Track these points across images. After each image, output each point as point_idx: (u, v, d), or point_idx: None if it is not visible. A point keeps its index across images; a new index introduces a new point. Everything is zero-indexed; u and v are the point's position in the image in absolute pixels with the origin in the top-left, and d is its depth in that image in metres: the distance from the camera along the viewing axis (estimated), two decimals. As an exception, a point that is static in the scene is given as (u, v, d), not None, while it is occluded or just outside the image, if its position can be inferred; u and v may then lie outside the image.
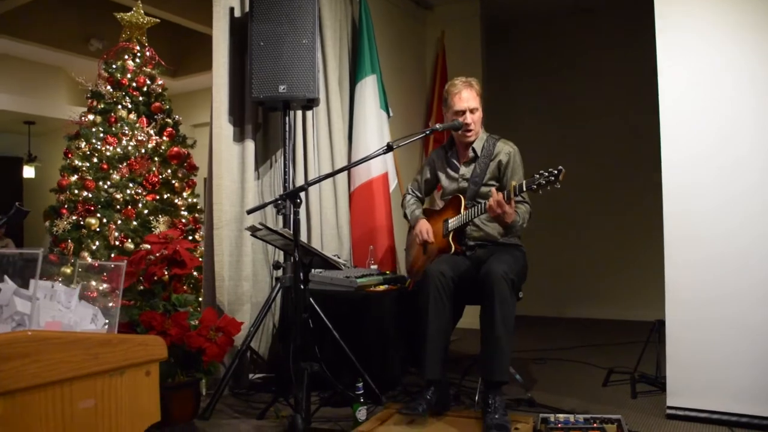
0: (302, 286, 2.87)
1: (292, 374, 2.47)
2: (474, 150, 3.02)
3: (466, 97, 2.94)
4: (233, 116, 3.45)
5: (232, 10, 3.43)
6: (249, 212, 2.57)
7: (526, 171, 6.07)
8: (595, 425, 2.54)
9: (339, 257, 3.64)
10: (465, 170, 3.05)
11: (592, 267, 5.85)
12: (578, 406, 3.06)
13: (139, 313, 2.53)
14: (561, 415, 2.65)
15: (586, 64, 5.83)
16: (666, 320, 2.84)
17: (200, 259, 3.22)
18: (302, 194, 3.72)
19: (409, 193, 3.37)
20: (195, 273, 3.80)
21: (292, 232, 2.45)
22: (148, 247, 2.64)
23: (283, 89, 3.20)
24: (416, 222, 3.14)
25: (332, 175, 2.82)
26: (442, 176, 3.17)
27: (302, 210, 3.77)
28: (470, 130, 2.96)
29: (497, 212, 2.64)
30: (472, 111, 2.95)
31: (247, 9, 3.42)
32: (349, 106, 4.23)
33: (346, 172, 4.12)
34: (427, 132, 2.65)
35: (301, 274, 2.89)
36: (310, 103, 3.33)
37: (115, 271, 1.71)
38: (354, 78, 4.23)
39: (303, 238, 3.79)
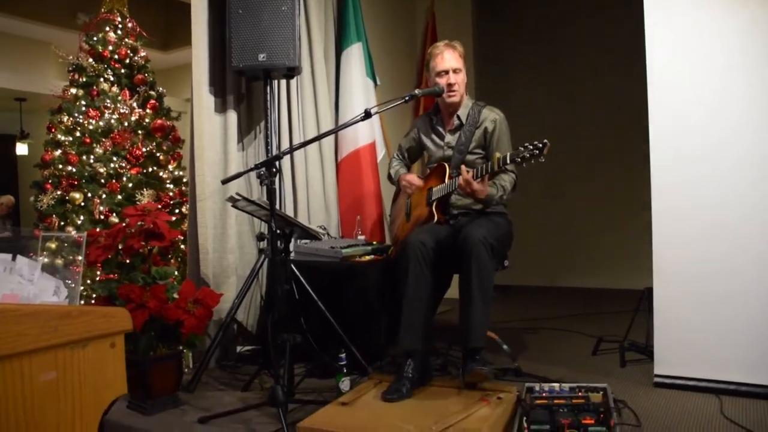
0: (284, 257, 2.86)
1: (271, 347, 2.45)
2: (459, 117, 2.96)
3: (449, 57, 2.88)
4: (214, 87, 3.38)
5: (211, -23, 3.35)
6: (223, 182, 2.52)
7: (517, 140, 5.98)
8: (579, 394, 2.51)
9: (324, 228, 3.61)
10: (450, 138, 2.99)
11: (584, 235, 5.80)
12: (566, 375, 3.05)
13: (118, 286, 2.50)
14: (546, 385, 2.63)
15: (580, 29, 5.71)
16: (654, 292, 2.81)
17: (182, 231, 3.18)
18: (289, 165, 3.76)
19: (395, 158, 3.32)
20: (183, 246, 3.78)
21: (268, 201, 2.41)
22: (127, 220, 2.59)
23: (263, 58, 3.14)
24: (401, 178, 3.10)
25: (308, 143, 2.76)
26: (427, 143, 3.12)
27: (288, 181, 3.77)
28: (453, 91, 2.89)
29: (466, 191, 2.60)
30: (455, 71, 2.89)
31: (226, -24, 3.34)
32: (336, 74, 4.16)
33: (333, 142, 4.07)
34: (406, 98, 2.58)
35: (282, 245, 2.88)
36: (290, 72, 3.26)
37: (75, 243, 1.68)
38: (340, 46, 4.14)
39: (290, 209, 3.77)
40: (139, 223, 2.56)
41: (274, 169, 2.38)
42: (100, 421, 1.63)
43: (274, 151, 3.46)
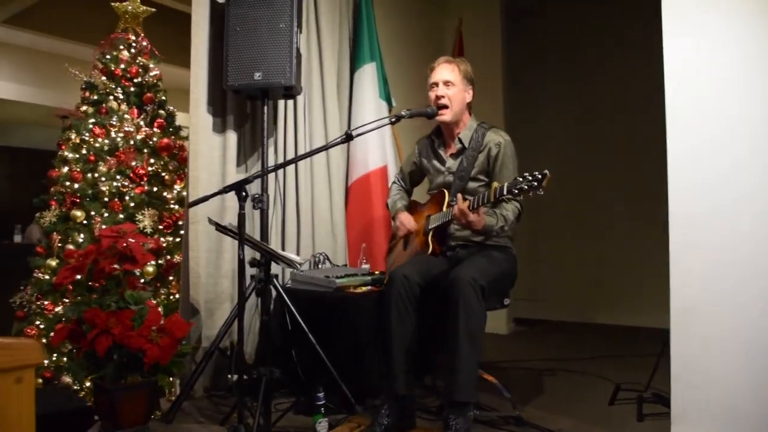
0: (263, 286, 2.71)
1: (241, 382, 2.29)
2: (461, 141, 2.75)
3: (442, 70, 2.70)
4: (213, 107, 3.30)
5: (214, -6, 3.28)
6: (189, 205, 2.39)
7: (543, 165, 5.69)
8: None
9: (322, 256, 3.45)
10: (451, 163, 2.78)
11: (623, 270, 5.39)
12: (574, 427, 2.77)
13: (85, 310, 2.39)
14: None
15: (611, 50, 5.39)
16: (671, 334, 2.50)
17: (152, 255, 3.06)
18: (293, 187, 3.62)
19: (395, 183, 3.13)
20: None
21: (237, 226, 2.26)
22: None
23: (259, 76, 3.02)
24: (396, 214, 2.91)
25: (287, 164, 2.67)
26: (428, 167, 2.92)
27: (292, 205, 3.63)
28: (442, 107, 2.68)
29: (461, 222, 2.38)
30: (446, 84, 2.69)
31: (227, -6, 3.27)
32: (349, 95, 4.03)
33: (342, 165, 3.92)
34: (393, 119, 2.40)
35: (262, 273, 2.73)
36: (288, 91, 3.13)
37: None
38: (353, 66, 4.01)
39: (292, 234, 3.63)
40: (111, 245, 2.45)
41: (244, 193, 2.24)
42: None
43: (271, 175, 3.34)
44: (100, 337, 2.30)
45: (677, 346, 2.47)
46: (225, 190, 2.25)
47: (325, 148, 2.45)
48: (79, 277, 2.46)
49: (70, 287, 3.21)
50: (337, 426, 2.54)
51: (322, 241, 3.78)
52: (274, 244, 3.54)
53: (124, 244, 2.43)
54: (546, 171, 2.21)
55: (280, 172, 3.57)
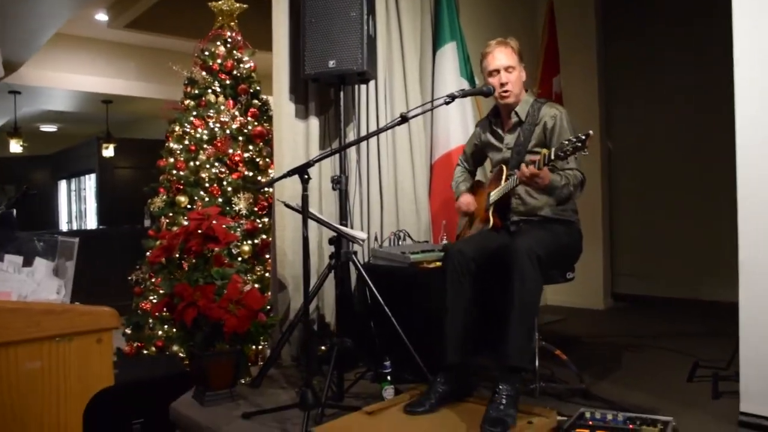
0: (335, 262, 2.90)
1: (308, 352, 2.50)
2: (517, 114, 2.76)
3: (500, 55, 2.70)
4: (296, 95, 3.50)
5: (292, -12, 3.47)
6: (258, 189, 2.60)
7: (646, 143, 5.38)
8: (630, 426, 2.24)
9: (403, 233, 3.58)
10: (509, 138, 2.81)
11: (728, 246, 5.04)
12: (646, 402, 2.73)
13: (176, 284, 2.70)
14: (600, 412, 2.38)
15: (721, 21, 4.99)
16: (740, 309, 2.40)
17: (235, 235, 3.33)
18: (376, 168, 3.78)
19: (459, 165, 3.20)
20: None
21: (301, 206, 2.45)
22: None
23: (333, 64, 3.18)
24: (459, 196, 2.98)
25: (332, 153, 2.79)
26: (488, 146, 2.96)
27: (375, 185, 3.79)
28: (507, 91, 2.71)
29: (525, 179, 2.40)
30: (507, 69, 2.70)
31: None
32: (431, 75, 4.11)
33: (425, 144, 4.01)
34: (447, 100, 2.46)
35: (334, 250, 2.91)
36: (361, 77, 3.26)
37: (68, 246, 1.85)
38: (435, 47, 4.08)
39: (376, 214, 3.78)
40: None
41: (306, 176, 2.42)
42: (85, 408, 1.77)
43: (350, 156, 3.52)
44: (187, 309, 2.58)
45: (747, 323, 2.38)
46: (288, 174, 2.44)
47: (377, 132, 2.57)
48: (173, 255, 2.75)
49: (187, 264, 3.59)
50: (402, 393, 2.68)
51: (406, 219, 3.91)
52: (357, 222, 3.71)
53: (209, 226, 2.68)
54: (590, 131, 2.22)
55: (363, 153, 3.73)
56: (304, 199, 2.44)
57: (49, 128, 11.90)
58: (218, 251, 2.86)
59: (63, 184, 13.11)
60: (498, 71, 2.71)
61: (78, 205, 12.48)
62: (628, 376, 3.16)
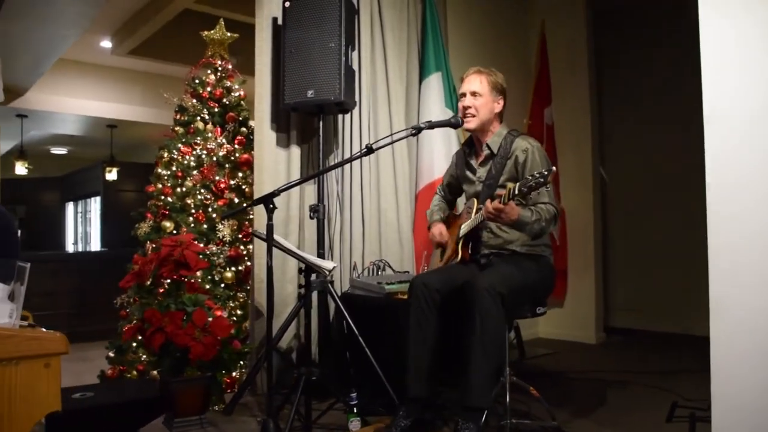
0: (304, 292, 2.89)
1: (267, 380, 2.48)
2: (489, 147, 2.76)
3: (470, 81, 2.72)
4: (277, 123, 3.54)
5: (275, 20, 3.52)
6: (223, 218, 2.61)
7: (639, 165, 5.31)
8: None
9: (382, 263, 3.57)
10: (481, 171, 2.81)
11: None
12: (616, 442, 2.68)
13: (146, 310, 2.70)
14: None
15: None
16: (711, 345, 2.35)
17: (206, 262, 3.33)
18: (359, 197, 3.78)
19: (437, 194, 3.19)
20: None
21: (266, 235, 2.45)
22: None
23: (311, 94, 3.21)
24: (431, 225, 2.97)
25: (297, 183, 2.80)
26: (462, 178, 2.96)
27: (357, 214, 3.79)
28: (468, 116, 2.71)
29: (491, 217, 2.38)
30: (473, 95, 2.71)
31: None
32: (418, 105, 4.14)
33: (408, 173, 4.02)
34: (413, 131, 2.47)
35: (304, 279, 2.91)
36: (340, 106, 3.29)
37: (22, 271, 1.86)
38: (421, 77, 4.12)
39: (357, 242, 3.78)
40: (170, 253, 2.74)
41: (271, 206, 2.42)
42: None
43: (330, 185, 3.54)
44: (155, 334, 2.59)
45: (718, 361, 2.32)
46: (253, 203, 2.45)
47: (343, 163, 2.58)
48: (144, 281, 2.76)
49: (162, 290, 3.60)
50: (367, 427, 2.65)
51: (389, 248, 3.91)
52: (338, 251, 3.71)
53: (180, 253, 2.69)
54: (553, 167, 2.26)
55: (347, 181, 3.75)
56: (269, 228, 2.45)
57: (59, 151, 12.08)
58: (193, 278, 2.85)
59: (70, 206, 13.27)
60: (464, 95, 2.72)
61: (84, 227, 12.60)
62: (606, 413, 3.11)
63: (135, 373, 3.75)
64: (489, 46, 4.94)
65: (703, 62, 2.36)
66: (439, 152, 3.96)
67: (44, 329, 1.87)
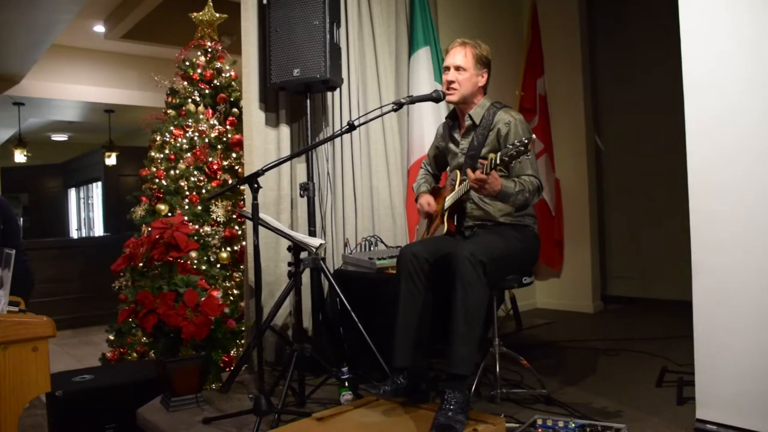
0: (294, 269, 2.92)
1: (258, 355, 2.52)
2: (471, 118, 2.76)
3: (453, 53, 2.71)
4: (266, 103, 3.54)
5: (260, 0, 3.51)
6: (206, 200, 2.64)
7: (635, 138, 5.25)
8: (579, 433, 2.23)
9: (375, 238, 3.59)
10: (464, 143, 2.81)
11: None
12: (609, 407, 2.72)
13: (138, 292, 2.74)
14: (552, 419, 2.38)
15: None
16: (693, 314, 2.38)
17: (196, 243, 3.36)
18: (350, 174, 3.80)
19: (422, 167, 3.20)
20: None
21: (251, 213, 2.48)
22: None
23: (297, 73, 3.22)
24: (418, 197, 2.99)
25: (285, 160, 2.81)
26: (446, 151, 2.96)
27: (349, 191, 3.81)
28: (451, 90, 2.71)
29: (476, 186, 2.38)
30: (457, 69, 2.70)
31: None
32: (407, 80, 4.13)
33: (398, 149, 4.03)
34: (394, 106, 2.47)
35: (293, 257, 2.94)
36: (326, 84, 3.29)
37: (7, 257, 1.89)
38: (410, 51, 4.10)
39: (350, 219, 3.79)
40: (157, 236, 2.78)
41: (255, 185, 2.44)
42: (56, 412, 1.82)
43: (321, 163, 3.55)
44: (148, 316, 2.63)
45: (701, 329, 2.35)
46: (237, 183, 2.47)
47: (325, 141, 2.60)
48: (136, 264, 2.80)
49: (157, 271, 3.64)
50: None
51: (381, 224, 3.93)
52: (331, 228, 3.73)
53: (170, 234, 2.72)
54: (533, 136, 2.28)
55: (338, 158, 3.75)
56: (254, 207, 2.47)
57: (59, 137, 12.12)
58: (186, 259, 2.89)
59: (72, 192, 13.34)
60: (448, 68, 2.72)
61: (86, 212, 12.69)
62: (598, 381, 3.15)
63: (135, 355, 3.82)
64: (480, 16, 4.90)
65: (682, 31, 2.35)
66: (429, 127, 3.95)
67: (32, 314, 1.91)
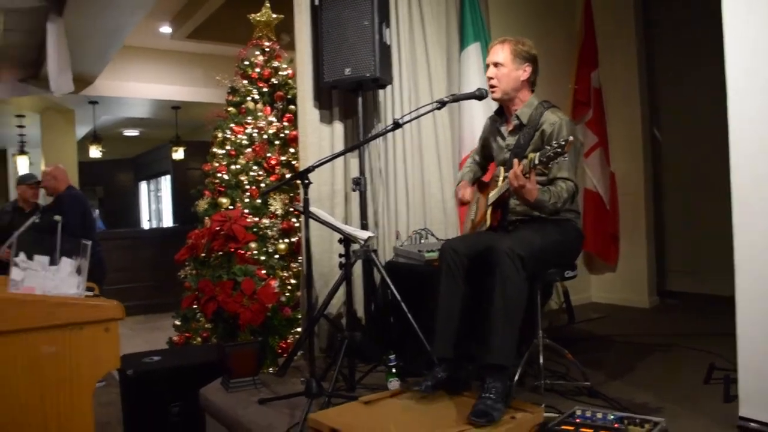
0: (345, 260, 3.06)
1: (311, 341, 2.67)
2: (518, 117, 2.82)
3: (493, 51, 2.78)
4: (320, 101, 3.68)
5: (312, 0, 3.64)
6: (261, 194, 2.79)
7: (692, 129, 5.14)
8: (616, 426, 2.27)
9: (425, 231, 3.70)
10: (510, 140, 2.87)
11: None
12: (652, 402, 2.74)
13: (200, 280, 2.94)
14: (591, 410, 2.42)
15: None
16: (736, 310, 2.38)
17: (253, 235, 3.53)
18: (402, 168, 3.90)
19: (469, 159, 3.28)
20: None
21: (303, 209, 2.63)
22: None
23: (349, 72, 3.35)
24: (457, 188, 3.07)
25: (335, 157, 2.91)
26: (492, 145, 3.03)
27: (402, 184, 3.92)
28: (492, 87, 2.78)
29: (514, 185, 2.46)
30: (496, 65, 2.77)
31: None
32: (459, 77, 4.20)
33: (450, 142, 4.10)
34: (437, 105, 2.56)
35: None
36: (376, 83, 3.41)
37: (84, 248, 2.10)
38: (461, 48, 4.17)
39: (402, 212, 3.91)
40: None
41: (306, 181, 2.58)
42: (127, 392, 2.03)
43: (373, 159, 3.68)
44: (208, 303, 2.83)
45: (744, 324, 2.35)
46: (288, 180, 2.63)
47: (372, 138, 2.70)
48: (199, 254, 3.00)
49: (217, 261, 3.87)
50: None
51: (432, 217, 4.02)
52: (383, 222, 3.85)
53: (229, 227, 2.91)
54: (570, 137, 2.30)
55: (390, 153, 3.87)
56: (305, 202, 2.61)
57: (131, 133, 12.73)
58: (245, 249, 3.07)
59: (143, 185, 14.00)
60: (489, 66, 2.79)
61: (156, 204, 13.29)
62: (644, 376, 3.16)
63: (199, 339, 4.06)
64: (532, 11, 4.91)
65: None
66: (480, 121, 3.95)
67: (104, 298, 2.11)
